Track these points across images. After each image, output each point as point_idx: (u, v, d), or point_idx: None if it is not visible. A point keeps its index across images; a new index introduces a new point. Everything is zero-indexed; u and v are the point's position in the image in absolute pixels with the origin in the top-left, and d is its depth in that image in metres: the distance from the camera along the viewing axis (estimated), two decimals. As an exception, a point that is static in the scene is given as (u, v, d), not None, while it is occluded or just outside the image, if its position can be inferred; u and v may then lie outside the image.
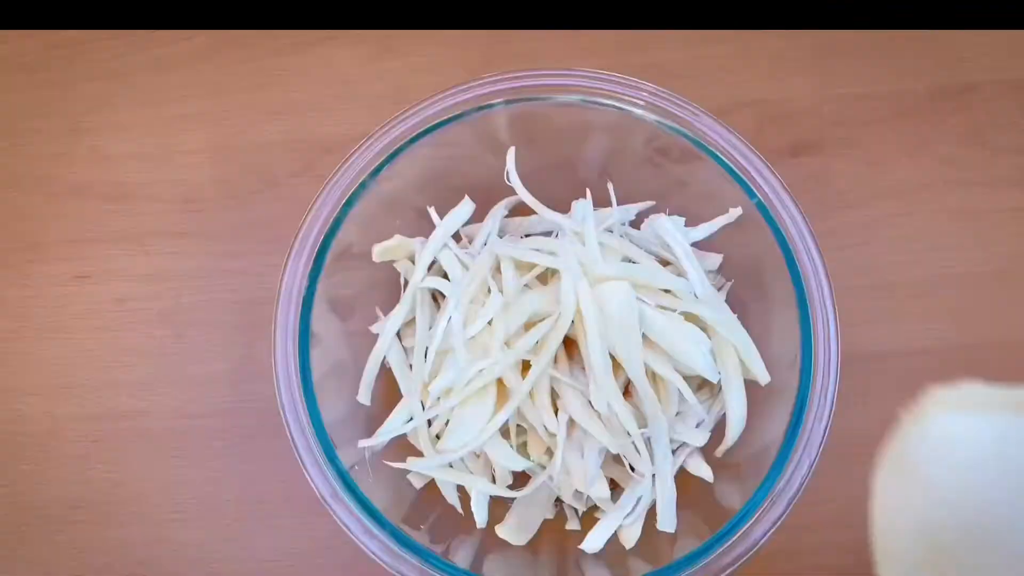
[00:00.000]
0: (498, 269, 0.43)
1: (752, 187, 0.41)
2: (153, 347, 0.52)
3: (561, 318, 0.40)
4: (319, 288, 0.41)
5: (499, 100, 0.42)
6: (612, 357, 0.40)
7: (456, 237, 0.46)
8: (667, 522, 0.41)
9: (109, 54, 0.59)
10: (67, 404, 0.51)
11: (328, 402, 0.39)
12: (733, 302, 0.44)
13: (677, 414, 0.42)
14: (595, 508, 0.43)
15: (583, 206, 0.44)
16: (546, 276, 0.43)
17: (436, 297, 0.45)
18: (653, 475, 0.41)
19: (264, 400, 0.49)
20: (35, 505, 0.49)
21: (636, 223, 0.47)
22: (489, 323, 0.41)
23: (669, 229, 0.43)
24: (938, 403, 0.21)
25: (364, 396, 0.44)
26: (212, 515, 0.48)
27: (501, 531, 0.43)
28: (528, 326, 0.42)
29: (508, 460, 0.41)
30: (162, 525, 0.48)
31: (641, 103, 0.42)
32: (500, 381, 0.41)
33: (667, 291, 0.42)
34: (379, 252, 0.44)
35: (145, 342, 0.52)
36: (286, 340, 0.39)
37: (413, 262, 0.45)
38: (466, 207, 0.45)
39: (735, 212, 0.42)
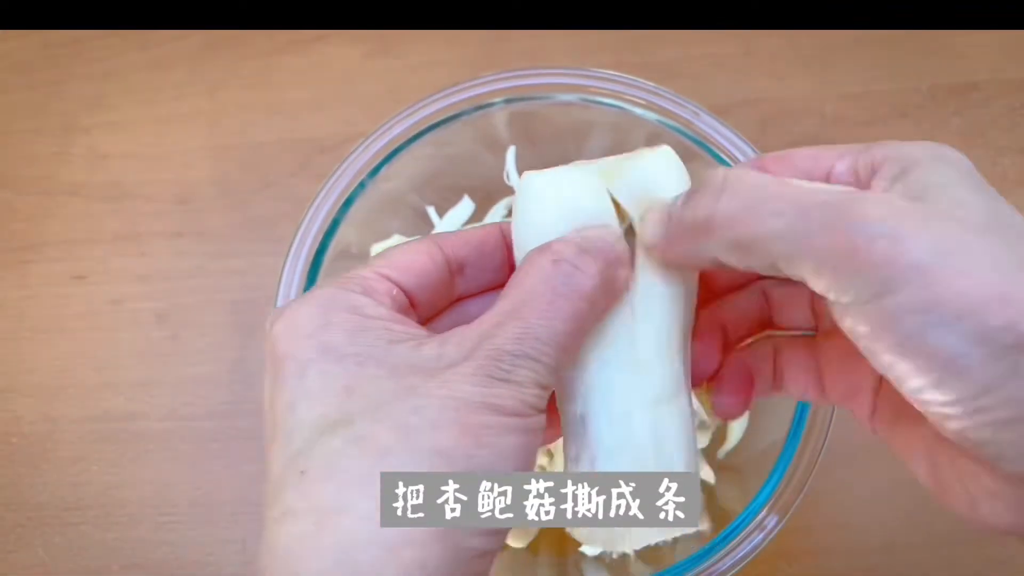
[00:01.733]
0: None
1: (753, 187, 0.40)
2: (150, 348, 0.51)
3: None
4: (317, 289, 0.40)
5: (499, 99, 0.42)
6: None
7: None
8: None
9: (105, 53, 0.59)
10: (63, 405, 0.51)
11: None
12: (734, 302, 0.44)
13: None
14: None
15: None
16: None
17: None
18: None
19: (261, 402, 0.49)
20: (32, 507, 0.49)
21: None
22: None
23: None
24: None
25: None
26: (209, 516, 0.48)
27: (500, 533, 0.42)
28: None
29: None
30: (159, 527, 0.48)
31: (641, 102, 0.42)
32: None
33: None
34: (376, 252, 0.44)
35: (142, 343, 0.52)
36: (284, 341, 0.39)
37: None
38: (466, 207, 0.45)
39: (736, 212, 0.42)
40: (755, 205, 0.20)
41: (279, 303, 0.40)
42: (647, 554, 0.41)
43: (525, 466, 0.21)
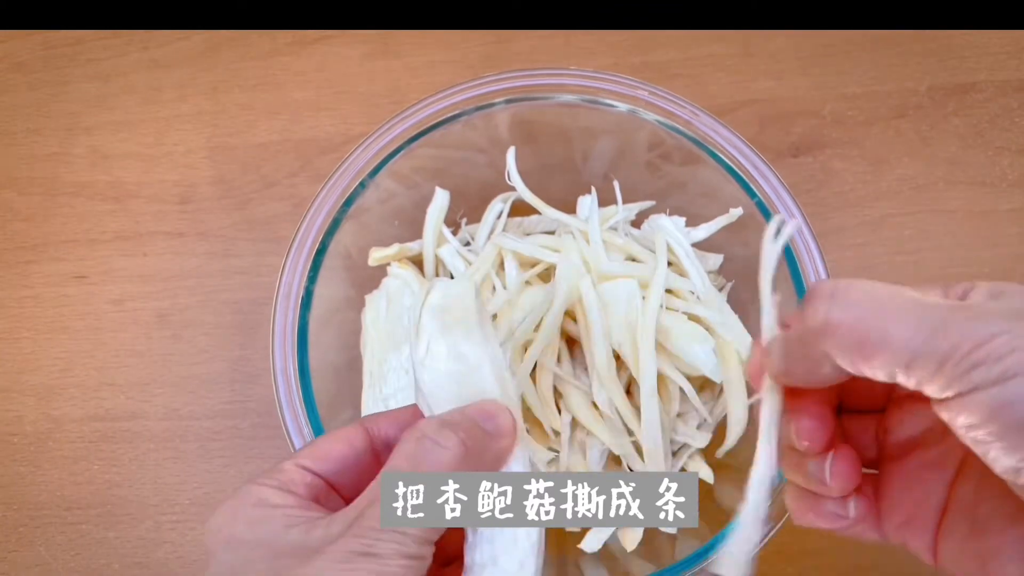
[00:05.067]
0: (501, 266, 0.43)
1: (752, 187, 0.41)
2: (151, 348, 0.51)
3: (556, 300, 0.40)
4: (317, 288, 0.40)
5: (499, 100, 0.42)
6: (615, 357, 0.40)
7: (463, 242, 0.46)
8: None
9: (106, 54, 0.59)
10: (64, 405, 0.51)
11: (326, 403, 0.39)
12: (733, 302, 0.44)
13: (679, 415, 0.42)
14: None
15: (588, 202, 0.44)
16: (548, 275, 0.43)
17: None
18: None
19: (262, 401, 0.49)
20: (33, 506, 0.49)
21: (636, 223, 0.46)
22: (493, 318, 0.41)
23: (670, 229, 0.43)
24: None
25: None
26: (210, 515, 0.48)
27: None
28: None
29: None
30: (160, 526, 0.48)
31: (641, 103, 0.42)
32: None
33: (669, 291, 0.42)
34: (376, 257, 0.44)
35: (143, 343, 0.52)
36: (284, 341, 0.39)
37: (412, 263, 0.45)
38: (441, 198, 0.45)
39: (735, 212, 0.42)
40: (872, 310, 0.21)
41: (279, 302, 0.40)
42: (647, 552, 0.41)
43: None
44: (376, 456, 0.27)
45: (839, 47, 0.56)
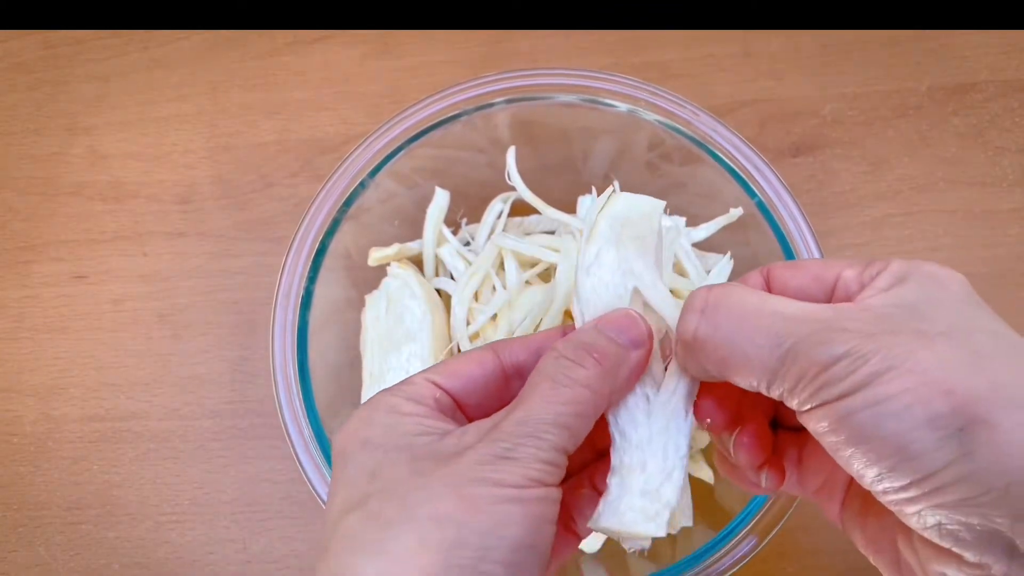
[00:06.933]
0: (501, 266, 0.43)
1: (753, 187, 0.41)
2: (150, 348, 0.51)
3: (556, 300, 0.40)
4: (317, 288, 0.40)
5: (499, 100, 0.42)
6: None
7: (463, 242, 0.46)
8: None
9: (106, 54, 0.59)
10: (64, 405, 0.51)
11: (326, 403, 0.39)
12: (733, 302, 0.44)
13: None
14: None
15: (588, 202, 0.44)
16: (548, 275, 0.43)
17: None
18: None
19: (262, 401, 0.49)
20: (33, 506, 0.49)
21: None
22: (493, 318, 0.41)
23: (670, 229, 0.43)
24: None
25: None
26: (210, 516, 0.48)
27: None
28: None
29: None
30: (160, 526, 0.48)
31: (641, 103, 0.42)
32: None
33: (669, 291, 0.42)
34: (376, 257, 0.44)
35: (142, 343, 0.52)
36: (284, 341, 0.39)
37: (411, 262, 0.45)
38: (441, 198, 0.45)
39: (735, 212, 0.42)
40: (736, 329, 0.23)
41: (279, 302, 0.40)
42: (647, 551, 0.41)
43: (531, 531, 0.23)
44: (506, 379, 0.28)
45: (839, 47, 0.56)
